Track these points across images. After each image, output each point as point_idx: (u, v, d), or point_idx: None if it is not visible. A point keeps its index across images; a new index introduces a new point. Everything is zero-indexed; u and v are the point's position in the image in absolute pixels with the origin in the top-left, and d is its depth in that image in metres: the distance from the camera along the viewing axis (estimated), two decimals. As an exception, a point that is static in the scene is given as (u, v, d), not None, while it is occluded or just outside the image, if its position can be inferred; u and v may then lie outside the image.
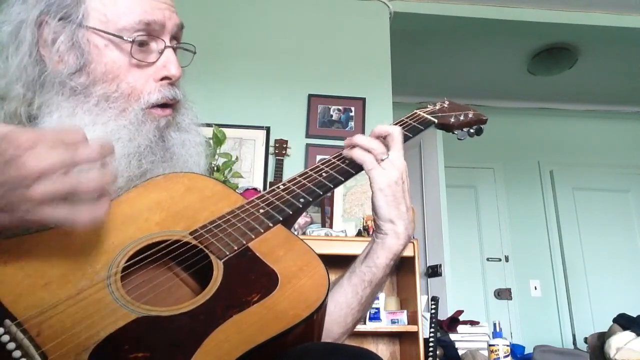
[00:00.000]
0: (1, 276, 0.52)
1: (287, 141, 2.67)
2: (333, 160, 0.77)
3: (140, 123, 0.70)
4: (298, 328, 0.53)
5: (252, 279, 0.57)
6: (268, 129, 2.72)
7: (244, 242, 0.61)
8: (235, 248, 0.60)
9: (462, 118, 0.92)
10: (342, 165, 0.76)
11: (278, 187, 0.71)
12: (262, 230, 0.63)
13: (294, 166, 2.67)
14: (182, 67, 0.75)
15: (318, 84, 2.88)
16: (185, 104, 0.78)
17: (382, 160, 0.73)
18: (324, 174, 0.74)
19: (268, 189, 0.72)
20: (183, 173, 0.74)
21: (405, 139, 0.81)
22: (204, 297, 0.54)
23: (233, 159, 2.31)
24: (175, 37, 0.74)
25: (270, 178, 2.61)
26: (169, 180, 0.70)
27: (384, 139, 0.76)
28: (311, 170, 0.75)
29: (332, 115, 2.83)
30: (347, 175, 0.74)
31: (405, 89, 3.94)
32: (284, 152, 2.64)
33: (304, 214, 2.29)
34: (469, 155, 4.18)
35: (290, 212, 0.67)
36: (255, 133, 2.70)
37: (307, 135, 2.77)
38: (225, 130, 2.33)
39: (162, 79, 0.71)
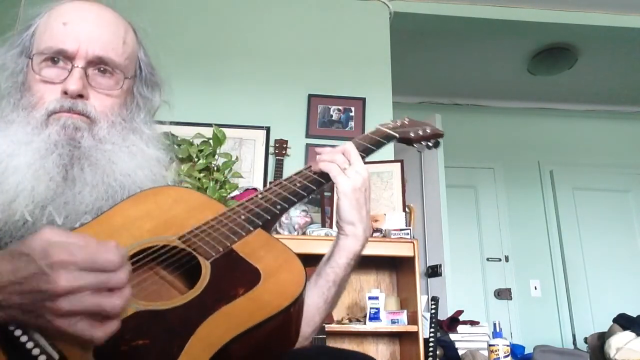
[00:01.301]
0: None
1: (287, 141, 2.67)
2: (305, 172, 0.85)
3: (43, 127, 0.78)
4: (280, 316, 0.60)
5: (237, 275, 0.64)
6: (268, 129, 2.72)
7: (228, 244, 0.68)
8: (221, 250, 0.66)
9: (420, 133, 1.01)
10: (314, 175, 0.84)
11: (256, 196, 0.79)
12: (244, 234, 0.70)
13: (294, 166, 2.67)
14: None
15: (318, 84, 2.88)
16: (116, 120, 0.84)
17: (345, 168, 0.82)
18: (297, 184, 0.82)
19: (248, 198, 0.79)
20: (169, 187, 0.83)
21: (370, 152, 0.90)
22: (195, 292, 0.60)
23: (233, 159, 2.31)
24: (97, 64, 0.83)
25: (270, 178, 2.61)
26: (156, 194, 0.77)
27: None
28: (286, 180, 0.83)
29: (332, 115, 2.83)
30: (318, 184, 0.83)
31: (405, 89, 3.94)
32: (284, 152, 2.64)
33: (304, 214, 2.29)
34: (469, 155, 4.18)
35: (269, 217, 0.75)
36: (255, 133, 2.70)
37: (307, 135, 2.77)
38: (225, 130, 2.33)
39: (63, 94, 0.80)
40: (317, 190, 0.82)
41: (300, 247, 1.72)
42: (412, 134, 0.99)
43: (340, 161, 0.83)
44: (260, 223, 0.73)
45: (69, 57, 0.81)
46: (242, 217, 0.73)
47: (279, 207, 0.77)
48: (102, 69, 0.83)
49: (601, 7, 3.23)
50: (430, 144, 1.03)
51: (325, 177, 0.83)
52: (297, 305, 0.63)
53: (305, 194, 0.81)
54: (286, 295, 0.62)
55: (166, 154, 0.92)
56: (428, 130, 1.02)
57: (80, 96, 0.80)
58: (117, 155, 0.82)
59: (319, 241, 2.10)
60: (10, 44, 0.86)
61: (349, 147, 0.85)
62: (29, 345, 0.48)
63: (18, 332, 0.49)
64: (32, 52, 0.83)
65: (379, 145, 0.93)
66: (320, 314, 0.79)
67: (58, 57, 0.81)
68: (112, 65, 0.84)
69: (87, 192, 0.77)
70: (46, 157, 0.76)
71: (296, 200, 0.79)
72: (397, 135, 0.96)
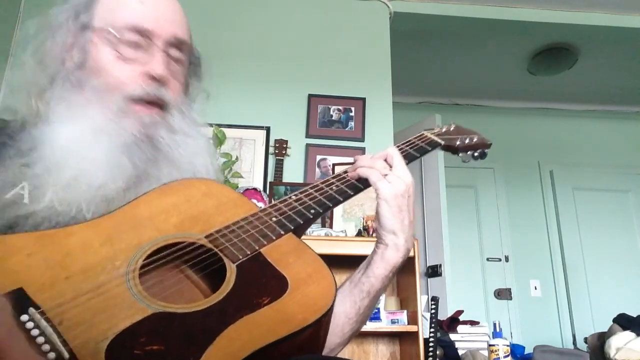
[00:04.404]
0: (26, 268, 0.55)
1: (287, 141, 2.67)
2: (343, 175, 0.80)
3: (122, 115, 0.73)
4: (305, 331, 0.56)
5: (263, 282, 0.61)
6: (268, 129, 2.72)
7: (257, 248, 0.64)
8: (248, 253, 0.63)
9: (467, 141, 0.95)
10: (352, 180, 0.78)
11: (290, 198, 0.74)
12: (274, 238, 0.66)
13: (294, 166, 2.67)
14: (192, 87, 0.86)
15: (318, 84, 2.88)
16: (183, 108, 0.81)
17: (386, 174, 0.76)
18: (334, 187, 0.77)
19: (281, 199, 0.74)
20: (200, 179, 0.77)
21: (412, 158, 0.85)
22: (217, 296, 0.57)
23: (233, 159, 2.31)
24: (172, 46, 0.79)
25: (270, 178, 2.61)
26: (185, 186, 0.73)
27: (384, 161, 0.79)
28: (322, 183, 0.78)
29: (332, 115, 2.83)
30: (356, 190, 0.77)
31: (405, 89, 3.94)
32: (284, 152, 2.64)
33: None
34: (469, 155, 4.17)
35: (301, 222, 0.70)
36: (255, 133, 2.70)
37: (307, 135, 2.77)
38: (225, 130, 2.33)
39: (148, 78, 0.75)
40: (354, 195, 0.77)
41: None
42: (457, 142, 0.94)
43: (381, 167, 0.77)
44: (292, 227, 0.69)
45: (149, 36, 0.76)
46: (274, 219, 0.69)
47: (312, 211, 0.72)
48: (174, 54, 0.80)
49: (601, 7, 3.23)
50: (476, 154, 0.97)
51: (364, 182, 0.78)
52: (324, 320, 0.59)
53: (342, 199, 0.76)
54: (313, 309, 0.58)
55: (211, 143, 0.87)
56: (475, 139, 0.96)
57: (163, 81, 0.76)
58: (195, 154, 0.79)
59: (319, 241, 2.10)
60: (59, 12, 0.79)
61: (392, 151, 0.79)
62: (40, 340, 0.47)
63: (30, 325, 0.48)
64: (91, 22, 0.77)
65: (422, 151, 0.87)
66: (351, 325, 0.74)
67: (138, 35, 0.76)
68: (184, 47, 0.81)
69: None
70: (123, 153, 0.71)
71: (331, 205, 0.74)
72: (441, 142, 0.91)
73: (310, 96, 2.85)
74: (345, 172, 0.80)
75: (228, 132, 2.37)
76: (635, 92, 4.24)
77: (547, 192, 4.29)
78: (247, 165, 2.63)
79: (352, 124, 2.81)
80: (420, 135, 0.92)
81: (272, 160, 2.67)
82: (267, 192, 2.51)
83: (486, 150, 0.98)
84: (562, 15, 3.27)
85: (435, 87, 4.28)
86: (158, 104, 0.77)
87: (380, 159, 0.78)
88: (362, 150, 2.71)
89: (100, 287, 0.55)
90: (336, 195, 0.75)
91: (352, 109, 2.84)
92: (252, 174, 2.62)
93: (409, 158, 0.84)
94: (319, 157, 2.71)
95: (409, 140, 0.89)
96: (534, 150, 4.37)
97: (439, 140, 0.91)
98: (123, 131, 0.72)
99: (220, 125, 2.33)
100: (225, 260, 0.62)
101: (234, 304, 0.56)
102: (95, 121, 0.72)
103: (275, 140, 2.67)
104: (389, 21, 3.11)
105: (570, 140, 4.43)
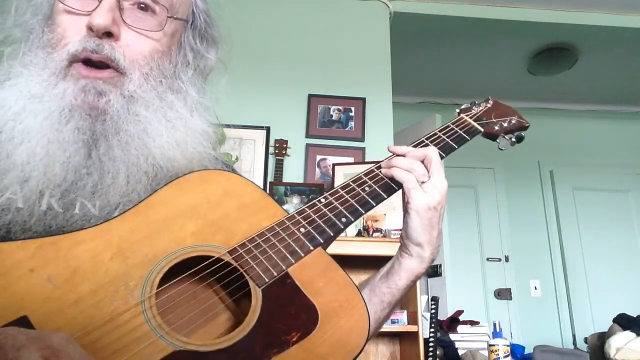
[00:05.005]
0: (29, 287, 0.48)
1: (287, 141, 2.67)
2: (377, 172, 0.72)
3: (60, 77, 0.63)
4: None
5: (291, 313, 0.55)
6: (268, 129, 2.72)
7: (284, 268, 0.58)
8: (275, 274, 0.58)
9: (505, 125, 0.87)
10: (385, 179, 0.71)
11: (319, 202, 0.67)
12: (303, 255, 0.60)
13: (294, 166, 2.67)
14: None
15: (318, 84, 2.88)
16: (154, 73, 0.69)
17: (423, 182, 0.69)
18: (366, 188, 0.70)
19: (309, 203, 0.67)
20: (220, 172, 0.68)
21: (451, 150, 0.77)
22: (242, 331, 0.52)
23: (233, 159, 2.31)
24: None
25: (270, 178, 2.61)
26: (205, 180, 0.65)
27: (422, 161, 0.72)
28: (353, 182, 0.71)
29: (332, 115, 2.83)
30: (391, 192, 0.71)
31: (405, 89, 3.94)
32: (284, 152, 2.64)
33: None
34: (469, 155, 4.17)
35: (332, 234, 0.64)
36: (255, 133, 2.70)
37: (307, 135, 2.77)
38: (225, 130, 2.33)
39: (89, 30, 0.64)
40: (388, 198, 0.70)
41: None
42: (496, 127, 0.86)
43: (419, 172, 0.69)
44: (322, 241, 0.62)
45: None
46: (302, 230, 0.62)
47: (344, 220, 0.65)
48: (141, 5, 0.67)
49: (601, 7, 3.23)
50: (514, 139, 0.89)
51: (398, 183, 0.71)
52: None
53: (374, 204, 0.68)
54: (345, 349, 0.54)
55: (214, 128, 0.75)
56: (513, 122, 0.88)
57: (109, 35, 0.64)
58: (152, 127, 0.66)
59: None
60: None
61: (432, 153, 0.71)
62: None
63: None
64: None
65: (461, 142, 0.79)
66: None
67: None
68: (154, 3, 0.68)
69: (123, 178, 0.62)
70: (60, 125, 0.60)
71: (364, 212, 0.67)
72: (482, 130, 0.84)
73: (310, 96, 2.85)
74: (379, 166, 0.73)
75: (228, 132, 2.37)
76: (635, 92, 4.24)
77: (547, 192, 4.29)
78: (247, 165, 2.63)
79: (352, 124, 2.81)
80: (459, 119, 0.83)
81: (272, 160, 2.67)
82: (267, 192, 2.51)
83: (523, 134, 0.90)
84: (562, 15, 3.27)
85: (435, 87, 4.28)
86: (110, 66, 0.65)
87: (419, 161, 0.71)
88: (362, 151, 2.71)
89: (114, 318, 0.49)
90: (369, 199, 0.68)
91: (352, 109, 2.84)
92: (252, 174, 2.62)
93: (447, 151, 0.76)
94: (319, 157, 2.71)
95: (447, 127, 0.81)
96: (534, 150, 4.36)
97: (480, 128, 0.84)
98: (58, 95, 0.62)
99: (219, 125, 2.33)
100: (251, 283, 0.56)
101: (261, 341, 0.51)
102: (28, 84, 0.62)
103: (275, 140, 2.67)
104: (389, 21, 3.11)
105: (570, 140, 4.43)
